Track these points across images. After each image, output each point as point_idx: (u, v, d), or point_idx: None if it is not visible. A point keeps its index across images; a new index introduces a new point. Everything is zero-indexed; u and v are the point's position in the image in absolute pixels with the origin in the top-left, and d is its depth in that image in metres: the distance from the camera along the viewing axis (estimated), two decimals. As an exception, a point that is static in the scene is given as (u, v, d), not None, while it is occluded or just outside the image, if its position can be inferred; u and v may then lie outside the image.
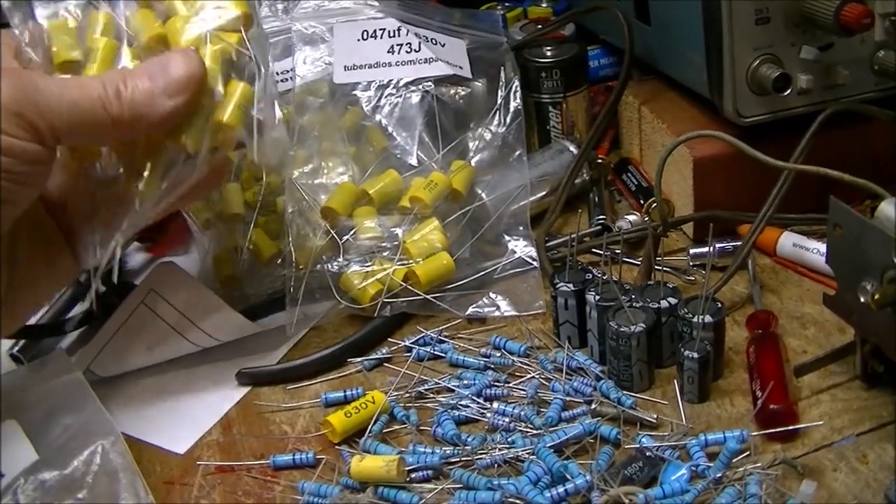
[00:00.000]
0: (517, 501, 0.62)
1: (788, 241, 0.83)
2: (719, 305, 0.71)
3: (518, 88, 0.92)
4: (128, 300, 0.79)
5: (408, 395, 0.73)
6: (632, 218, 0.88)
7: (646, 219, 0.87)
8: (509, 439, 0.67)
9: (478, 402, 0.71)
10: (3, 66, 0.65)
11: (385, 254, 0.82)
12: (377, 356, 0.78)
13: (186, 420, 0.75)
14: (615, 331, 0.70)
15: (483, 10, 1.13)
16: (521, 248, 0.86)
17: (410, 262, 0.81)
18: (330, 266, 0.82)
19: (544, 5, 1.14)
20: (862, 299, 0.62)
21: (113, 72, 0.66)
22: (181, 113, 0.65)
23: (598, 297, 0.72)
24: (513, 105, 0.92)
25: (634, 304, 0.71)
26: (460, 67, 0.92)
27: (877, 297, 0.60)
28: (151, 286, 0.79)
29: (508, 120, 0.91)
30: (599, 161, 0.95)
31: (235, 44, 0.67)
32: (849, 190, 0.68)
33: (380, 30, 0.92)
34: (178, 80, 0.64)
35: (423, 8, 0.98)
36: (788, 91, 0.80)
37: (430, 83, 0.90)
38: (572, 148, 0.94)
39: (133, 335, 0.79)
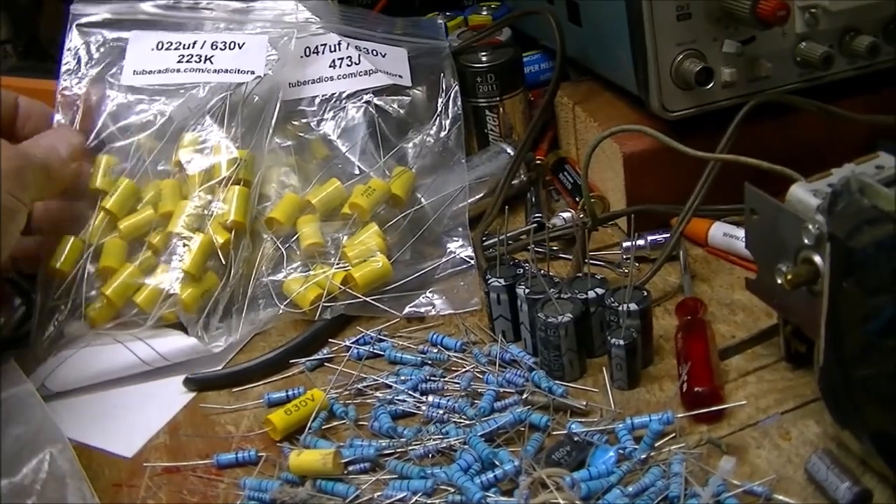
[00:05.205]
0: (449, 488, 0.64)
1: (719, 231, 0.84)
2: (644, 293, 0.73)
3: (458, 94, 0.94)
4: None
5: (347, 392, 0.75)
6: (566, 215, 0.90)
7: (581, 215, 0.88)
8: (443, 430, 0.69)
9: (414, 397, 0.72)
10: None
11: (327, 259, 0.84)
12: (319, 357, 0.80)
13: (134, 425, 0.76)
14: (543, 322, 0.71)
15: (426, 19, 1.15)
16: (459, 248, 0.87)
17: (348, 265, 0.83)
18: (273, 274, 0.84)
19: (484, 13, 1.16)
20: (779, 281, 0.63)
21: (36, 140, 0.82)
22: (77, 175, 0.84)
23: (527, 291, 0.74)
24: (452, 111, 0.93)
25: (563, 296, 0.73)
26: (400, 77, 0.94)
27: (790, 277, 0.61)
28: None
29: (448, 125, 0.93)
30: (537, 162, 0.97)
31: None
32: (778, 179, 0.69)
33: (321, 45, 0.94)
34: (77, 147, 0.83)
35: (365, 19, 0.99)
36: (711, 84, 0.81)
37: (370, 94, 0.92)
38: (509, 150, 0.95)
39: (88, 356, 0.80)
